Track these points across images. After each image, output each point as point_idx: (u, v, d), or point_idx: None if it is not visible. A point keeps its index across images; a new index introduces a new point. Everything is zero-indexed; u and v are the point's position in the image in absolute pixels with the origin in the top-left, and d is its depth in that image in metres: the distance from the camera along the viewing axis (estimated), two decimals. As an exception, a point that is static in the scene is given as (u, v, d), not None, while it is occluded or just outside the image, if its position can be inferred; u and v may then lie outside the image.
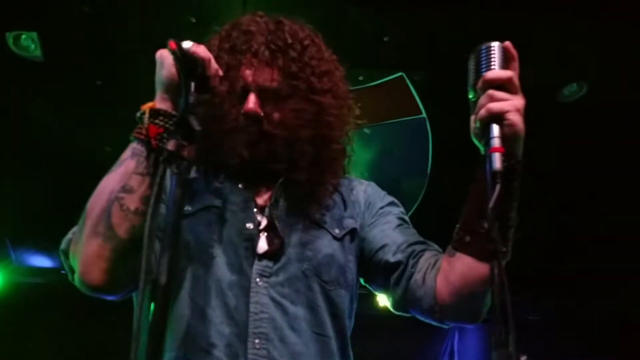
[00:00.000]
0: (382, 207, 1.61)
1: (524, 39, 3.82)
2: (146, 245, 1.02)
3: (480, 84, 1.24)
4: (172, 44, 1.16)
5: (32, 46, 3.91)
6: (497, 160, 1.16)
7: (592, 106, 4.22)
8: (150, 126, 1.24)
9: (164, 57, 1.25)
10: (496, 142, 1.20)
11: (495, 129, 1.21)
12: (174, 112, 1.24)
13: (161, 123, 1.24)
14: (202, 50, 1.24)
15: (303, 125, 1.47)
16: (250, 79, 1.45)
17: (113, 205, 1.23)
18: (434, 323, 1.49)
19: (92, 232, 1.24)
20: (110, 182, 1.26)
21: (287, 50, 1.49)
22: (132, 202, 1.23)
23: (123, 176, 1.25)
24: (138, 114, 1.28)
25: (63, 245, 1.38)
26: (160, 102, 1.26)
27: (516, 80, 1.26)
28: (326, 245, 1.47)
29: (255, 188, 1.50)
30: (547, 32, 3.74)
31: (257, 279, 1.37)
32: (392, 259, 1.50)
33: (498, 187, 1.12)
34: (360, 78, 4.17)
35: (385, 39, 3.82)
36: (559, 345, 5.69)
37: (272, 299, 1.36)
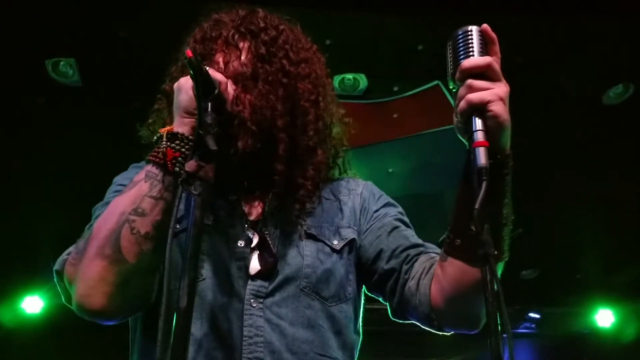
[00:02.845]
0: (376, 211, 1.52)
1: (568, 41, 3.78)
2: (168, 268, 1.00)
3: (458, 74, 1.14)
4: (188, 52, 1.12)
5: (71, 72, 3.99)
6: (482, 156, 1.07)
7: (639, 108, 4.10)
8: (167, 149, 1.21)
9: (182, 84, 1.24)
10: (479, 136, 1.10)
11: (478, 121, 1.11)
12: (191, 137, 1.21)
13: (178, 147, 1.21)
14: (219, 75, 1.22)
15: (275, 109, 1.37)
16: (219, 64, 1.38)
17: (123, 228, 1.19)
18: (433, 330, 1.39)
19: (97, 254, 1.20)
20: (121, 204, 1.22)
21: (259, 34, 1.41)
22: (143, 225, 1.19)
23: (135, 198, 1.21)
24: (155, 137, 1.27)
25: (57, 266, 1.32)
26: (178, 126, 1.23)
27: (496, 66, 1.15)
28: (324, 259, 1.39)
29: (245, 200, 1.43)
30: (592, 34, 3.65)
31: (252, 301, 1.30)
32: (386, 267, 1.42)
33: (485, 184, 1.03)
34: (395, 88, 4.12)
35: (420, 47, 3.77)
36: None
37: (268, 321, 1.29)
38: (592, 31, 3.65)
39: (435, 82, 3.96)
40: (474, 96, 1.12)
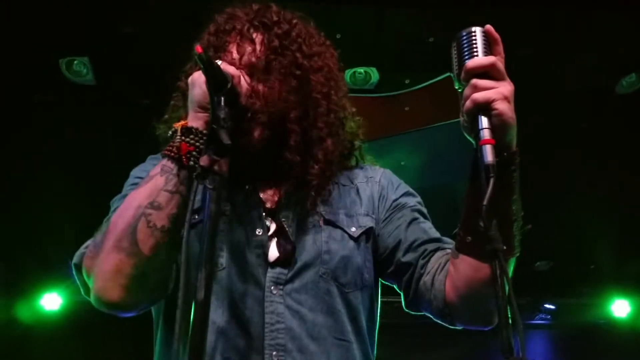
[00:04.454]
0: (395, 200, 1.52)
1: (580, 31, 3.76)
2: (185, 261, 1.01)
3: (463, 74, 1.17)
4: (198, 48, 1.13)
5: (84, 71, 4.02)
6: (488, 153, 1.09)
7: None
8: (182, 144, 1.23)
9: (195, 79, 1.26)
10: (486, 134, 1.12)
11: (484, 120, 1.13)
12: (205, 131, 1.23)
13: (192, 141, 1.23)
14: (231, 68, 1.23)
15: (287, 101, 1.38)
16: (233, 55, 1.39)
17: (140, 221, 1.21)
18: (445, 324, 1.41)
19: (114, 247, 1.22)
20: (137, 198, 1.24)
21: (272, 27, 1.43)
22: (160, 219, 1.21)
23: (151, 192, 1.23)
24: (170, 132, 1.28)
25: (75, 260, 1.35)
26: (192, 121, 1.25)
27: (501, 66, 1.17)
28: (342, 246, 1.40)
29: (262, 189, 1.44)
30: (604, 23, 3.62)
31: (272, 287, 1.31)
32: (403, 259, 1.43)
33: (492, 181, 1.05)
34: (407, 81, 4.12)
35: (431, 39, 3.77)
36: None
37: (289, 308, 1.31)
38: (605, 20, 3.63)
39: (447, 74, 3.94)
40: (479, 95, 1.14)
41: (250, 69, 1.37)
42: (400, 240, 1.45)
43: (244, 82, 1.27)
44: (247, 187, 1.42)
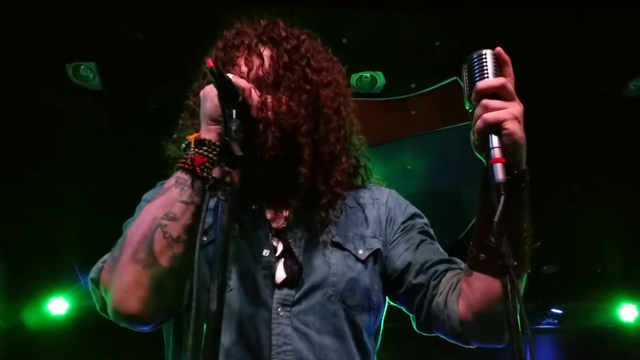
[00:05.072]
0: (404, 222, 1.52)
1: (588, 33, 3.75)
2: (196, 273, 1.01)
3: (473, 94, 1.19)
4: (209, 62, 1.15)
5: (91, 76, 4.04)
6: (499, 172, 1.13)
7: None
8: (195, 156, 1.24)
9: (207, 92, 1.27)
10: (496, 153, 1.16)
11: (495, 139, 1.17)
12: (217, 143, 1.25)
13: (205, 153, 1.24)
14: (242, 81, 1.25)
15: (297, 116, 1.39)
16: (241, 69, 1.40)
17: (156, 233, 1.22)
18: (459, 344, 1.41)
19: (131, 259, 1.23)
20: (152, 210, 1.26)
21: (281, 42, 1.44)
22: (175, 230, 1.22)
23: (166, 204, 1.25)
24: (184, 145, 1.30)
25: (93, 274, 1.35)
26: (205, 133, 1.27)
27: (510, 87, 1.20)
28: (350, 268, 1.40)
29: (268, 208, 1.45)
30: (611, 26, 3.61)
31: (279, 309, 1.31)
32: (414, 281, 1.43)
33: (503, 199, 1.09)
34: (413, 85, 4.12)
35: (437, 43, 3.76)
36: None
37: (296, 330, 1.30)
38: (613, 23, 3.62)
39: (453, 78, 3.94)
40: (489, 115, 1.17)
41: (259, 83, 1.38)
42: (410, 262, 1.45)
43: (254, 94, 1.28)
44: (253, 206, 1.43)
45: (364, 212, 1.51)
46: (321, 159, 1.42)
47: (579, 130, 4.34)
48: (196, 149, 1.25)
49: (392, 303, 1.52)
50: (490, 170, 1.14)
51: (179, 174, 1.27)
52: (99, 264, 1.33)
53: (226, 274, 1.04)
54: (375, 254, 1.46)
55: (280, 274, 1.35)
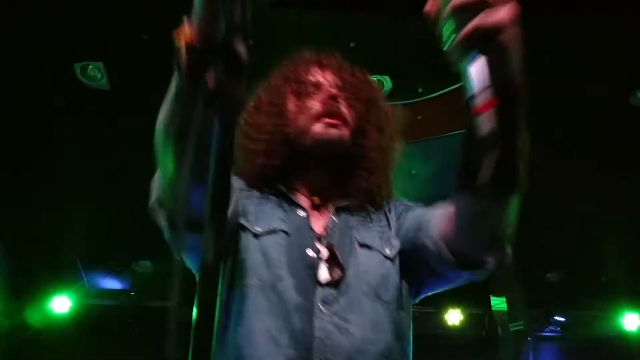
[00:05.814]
0: (402, 208, 1.59)
1: (596, 40, 3.74)
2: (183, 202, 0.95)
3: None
4: None
5: (99, 75, 4.06)
6: (486, 123, 0.91)
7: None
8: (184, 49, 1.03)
9: None
10: (487, 96, 0.91)
11: (478, 69, 0.92)
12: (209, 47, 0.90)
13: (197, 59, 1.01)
14: None
15: (365, 126, 1.54)
16: (319, 77, 1.54)
17: (161, 135, 1.20)
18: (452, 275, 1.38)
19: (160, 168, 1.26)
20: (161, 114, 1.22)
21: (340, 68, 1.59)
22: (174, 126, 1.15)
23: (168, 104, 1.19)
24: (175, 47, 1.07)
25: (153, 195, 1.33)
26: (196, 29, 1.02)
27: None
28: (380, 266, 1.44)
29: (311, 214, 1.50)
30: (619, 33, 3.61)
31: (321, 306, 1.35)
32: (413, 239, 1.45)
33: (495, 153, 0.94)
34: (420, 90, 4.12)
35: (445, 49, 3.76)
36: None
37: (337, 326, 1.33)
38: (621, 29, 3.61)
39: (461, 83, 3.93)
40: (490, 18, 0.92)
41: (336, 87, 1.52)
42: (409, 228, 1.49)
43: None
44: (298, 212, 1.48)
45: (385, 214, 1.57)
46: (373, 172, 1.54)
47: (586, 137, 4.34)
48: (189, 56, 1.02)
49: (427, 292, 1.54)
50: (473, 120, 0.93)
51: (175, 75, 1.13)
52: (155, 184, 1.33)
53: (225, 218, 0.80)
54: (400, 253, 1.50)
55: (324, 275, 1.38)
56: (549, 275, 5.85)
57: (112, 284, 6.24)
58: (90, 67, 4.02)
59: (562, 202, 4.74)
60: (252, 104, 1.59)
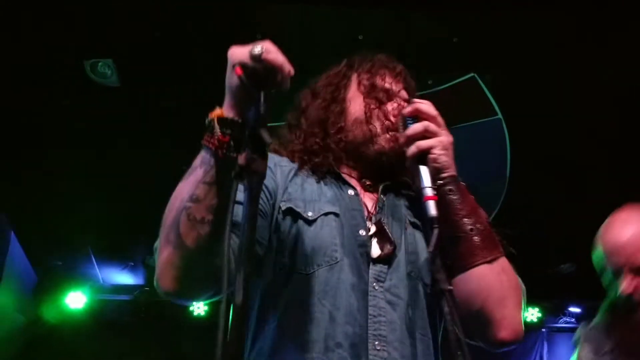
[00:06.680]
0: None
1: (604, 38, 3.70)
2: (226, 261, 1.01)
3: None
4: (237, 70, 1.14)
5: (109, 72, 4.07)
6: (432, 208, 1.30)
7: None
8: (219, 135, 1.21)
9: (233, 57, 1.20)
10: (428, 192, 1.33)
11: (425, 175, 1.36)
12: (240, 120, 1.20)
13: (228, 131, 1.21)
14: (273, 57, 1.16)
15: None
16: (398, 97, 1.60)
17: (181, 215, 1.25)
18: None
19: (165, 241, 1.28)
20: (180, 191, 1.28)
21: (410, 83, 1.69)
22: (199, 211, 1.24)
23: (192, 185, 1.26)
24: (207, 121, 1.25)
25: (154, 248, 1.41)
26: (227, 110, 1.24)
27: (441, 120, 1.43)
28: (424, 247, 1.48)
29: (361, 194, 1.54)
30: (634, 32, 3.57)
31: (374, 284, 1.40)
32: None
33: (436, 231, 1.27)
34: (430, 82, 4.10)
35: (454, 40, 3.74)
36: None
37: (389, 303, 1.39)
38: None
39: (471, 74, 3.91)
40: (422, 142, 1.39)
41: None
42: None
43: (286, 67, 1.20)
44: (350, 192, 1.52)
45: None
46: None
47: (595, 130, 4.30)
48: (219, 128, 1.21)
49: None
50: (423, 206, 1.32)
51: (203, 153, 1.26)
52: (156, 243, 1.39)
53: (252, 265, 1.04)
54: None
55: (376, 250, 1.43)
56: (562, 266, 5.82)
57: (126, 279, 6.29)
58: (100, 64, 4.03)
59: (575, 192, 4.70)
60: (309, 89, 1.66)
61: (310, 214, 1.43)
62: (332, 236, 1.42)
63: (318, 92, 1.64)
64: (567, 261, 5.81)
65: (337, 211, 1.45)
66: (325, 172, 1.54)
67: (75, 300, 6.08)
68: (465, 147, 4.30)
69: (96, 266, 6.04)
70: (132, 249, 5.85)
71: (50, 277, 6.04)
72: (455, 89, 3.98)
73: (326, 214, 1.45)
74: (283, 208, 1.43)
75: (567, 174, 4.37)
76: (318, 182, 1.52)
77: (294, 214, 1.42)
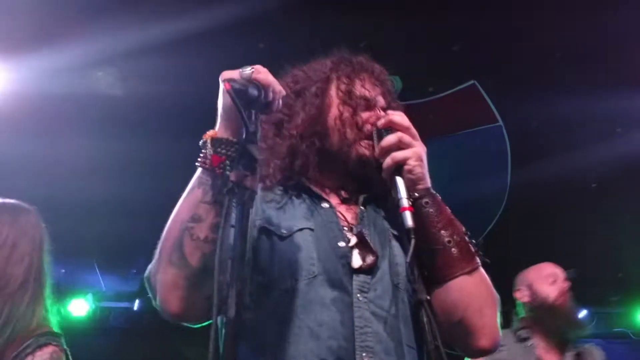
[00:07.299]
0: None
1: (609, 41, 3.70)
2: (217, 276, 1.04)
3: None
4: (226, 85, 1.18)
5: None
6: (408, 219, 1.33)
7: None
8: (213, 155, 1.26)
9: (225, 82, 1.26)
10: (404, 203, 1.36)
11: (401, 186, 1.39)
12: (234, 140, 1.26)
13: (223, 151, 1.26)
14: (262, 77, 1.24)
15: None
16: (377, 105, 1.59)
17: (184, 235, 1.27)
18: None
19: (167, 262, 1.29)
20: (180, 212, 1.31)
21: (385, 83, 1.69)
22: (202, 231, 1.27)
23: (192, 205, 1.29)
24: (201, 142, 1.30)
25: (146, 274, 1.42)
26: (221, 130, 1.28)
27: (414, 131, 1.47)
28: (404, 260, 1.47)
29: (339, 206, 1.54)
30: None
31: (358, 295, 1.39)
32: None
33: (413, 242, 1.30)
34: (430, 89, 4.12)
35: (455, 47, 3.76)
36: None
37: (374, 314, 1.38)
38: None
39: (472, 81, 3.93)
40: (397, 154, 1.43)
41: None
42: None
43: (276, 87, 1.28)
44: (323, 205, 1.51)
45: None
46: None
47: (601, 132, 4.31)
48: (213, 148, 1.26)
49: None
50: (400, 217, 1.35)
51: (199, 173, 1.30)
52: (150, 265, 1.39)
53: (246, 280, 1.10)
54: None
55: (357, 261, 1.42)
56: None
57: (129, 286, 6.29)
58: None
59: (579, 198, 4.71)
60: (289, 86, 1.61)
61: (284, 231, 1.42)
62: (309, 251, 1.41)
63: (298, 91, 1.60)
64: (569, 267, 5.81)
65: (312, 226, 1.45)
66: (300, 190, 1.53)
67: (78, 307, 6.08)
68: (464, 154, 4.32)
69: (99, 273, 6.05)
70: (136, 256, 5.86)
71: (53, 284, 6.04)
72: (455, 96, 4.00)
73: (301, 229, 1.44)
74: (258, 227, 1.43)
75: (573, 181, 4.37)
76: (291, 198, 1.52)
77: (267, 232, 1.42)
